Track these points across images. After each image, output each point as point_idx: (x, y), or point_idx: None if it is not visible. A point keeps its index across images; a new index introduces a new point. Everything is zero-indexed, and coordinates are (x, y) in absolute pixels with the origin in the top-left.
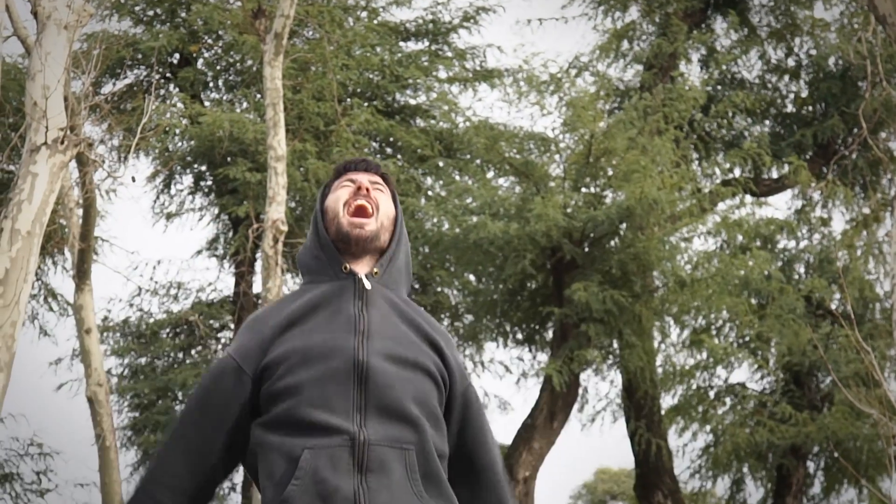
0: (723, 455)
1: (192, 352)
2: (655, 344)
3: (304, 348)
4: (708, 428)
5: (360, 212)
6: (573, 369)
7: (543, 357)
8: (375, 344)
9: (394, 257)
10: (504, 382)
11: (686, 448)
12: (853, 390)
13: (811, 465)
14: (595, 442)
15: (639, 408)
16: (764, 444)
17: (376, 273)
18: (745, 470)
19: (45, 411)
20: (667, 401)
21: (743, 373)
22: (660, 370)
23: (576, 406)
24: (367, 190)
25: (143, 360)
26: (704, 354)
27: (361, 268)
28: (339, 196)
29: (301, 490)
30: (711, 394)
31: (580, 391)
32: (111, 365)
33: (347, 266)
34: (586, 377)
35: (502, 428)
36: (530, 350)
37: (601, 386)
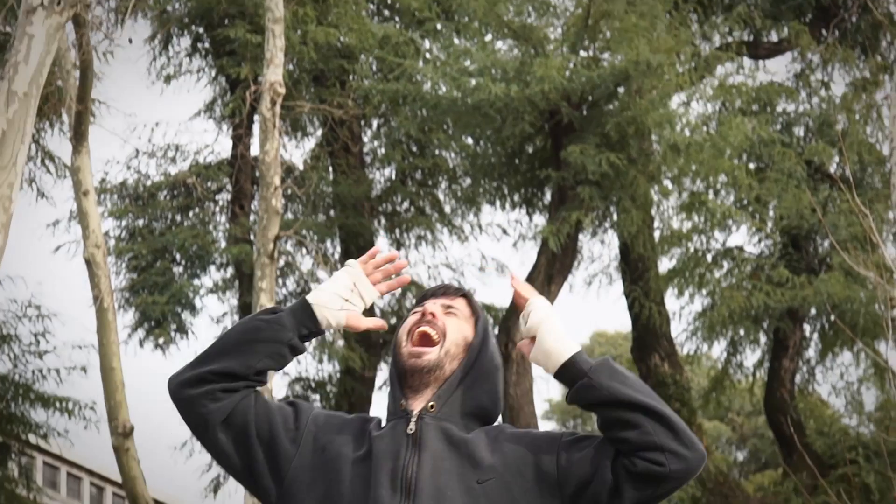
0: (719, 318)
1: (190, 213)
2: (653, 208)
3: (333, 498)
4: (705, 291)
5: (422, 340)
6: (569, 232)
7: (541, 220)
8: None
9: (459, 386)
10: (501, 245)
11: (683, 311)
12: (851, 253)
13: (808, 329)
14: (592, 305)
15: (635, 271)
16: (761, 307)
17: (432, 408)
18: (742, 333)
19: (42, 273)
20: (664, 264)
21: (741, 236)
22: (657, 233)
23: (572, 269)
24: (434, 315)
25: (140, 222)
26: (702, 217)
27: (419, 402)
28: (407, 323)
29: None
30: (709, 257)
31: (577, 254)
32: (109, 227)
33: (403, 402)
34: (583, 240)
35: (499, 291)
36: (528, 213)
37: (598, 249)
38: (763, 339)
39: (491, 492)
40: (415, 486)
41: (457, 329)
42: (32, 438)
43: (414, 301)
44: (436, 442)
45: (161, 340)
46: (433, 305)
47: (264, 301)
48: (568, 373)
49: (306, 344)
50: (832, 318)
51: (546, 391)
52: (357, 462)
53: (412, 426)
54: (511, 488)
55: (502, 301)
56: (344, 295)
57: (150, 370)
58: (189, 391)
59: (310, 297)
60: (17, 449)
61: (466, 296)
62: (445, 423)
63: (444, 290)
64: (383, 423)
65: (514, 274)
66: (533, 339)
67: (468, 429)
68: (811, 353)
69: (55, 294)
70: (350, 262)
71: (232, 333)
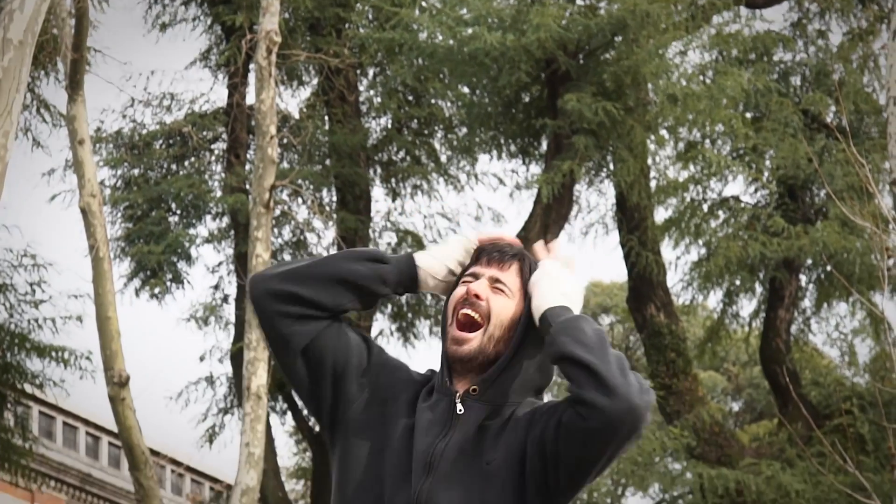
0: (715, 268)
1: (185, 162)
2: (649, 158)
3: (376, 463)
4: (701, 241)
5: (464, 324)
6: (564, 182)
7: (537, 169)
8: (438, 485)
9: (505, 369)
10: (498, 195)
11: (679, 261)
12: (847, 203)
13: (804, 279)
14: (588, 255)
15: (632, 221)
16: (757, 257)
17: (475, 391)
18: (738, 283)
19: (38, 222)
20: (660, 214)
21: (737, 186)
22: (653, 183)
23: (569, 218)
24: (478, 296)
25: (136, 171)
26: (698, 167)
27: (462, 384)
28: (454, 297)
29: None
30: (705, 207)
31: (574, 204)
32: (104, 176)
33: (448, 382)
34: (580, 190)
35: None
36: (524, 162)
37: (595, 199)
38: (759, 289)
39: (498, 472)
40: (437, 464)
41: (503, 309)
42: (28, 388)
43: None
44: (471, 425)
45: (157, 290)
46: (480, 283)
47: (260, 251)
48: (543, 328)
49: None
50: (828, 268)
51: None
52: (405, 431)
53: (460, 407)
54: (513, 468)
55: None
56: (451, 266)
57: (145, 320)
58: (275, 305)
59: (418, 260)
60: (13, 398)
61: (521, 260)
62: (486, 406)
63: (499, 256)
64: (432, 394)
65: (550, 241)
66: None
67: (514, 404)
68: (807, 303)
69: (51, 243)
70: (469, 234)
71: (333, 266)
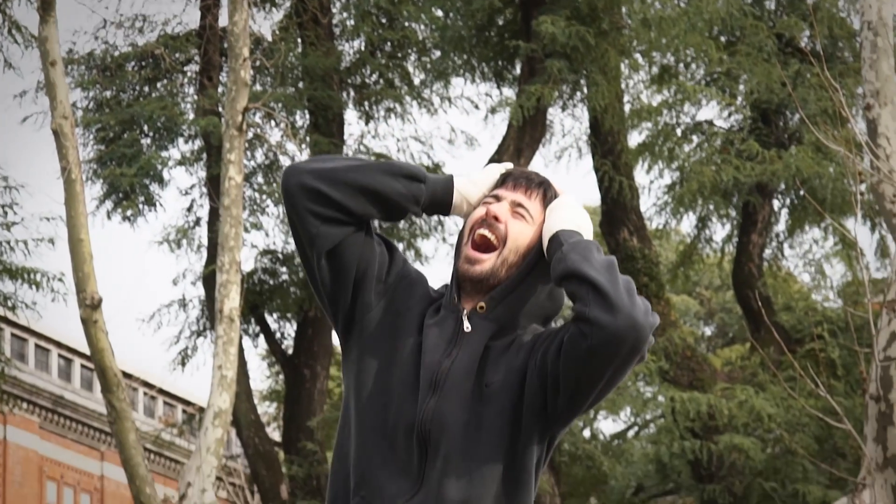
0: (688, 192)
1: (158, 85)
2: (623, 82)
3: (386, 373)
4: (674, 165)
5: (480, 245)
6: (537, 105)
7: (510, 93)
8: (443, 404)
9: (515, 290)
10: (471, 118)
11: (652, 185)
12: (821, 128)
13: (777, 203)
14: (562, 179)
15: (605, 145)
16: (730, 181)
17: (482, 308)
18: (711, 207)
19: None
20: (633, 138)
21: (711, 110)
22: (627, 107)
23: (542, 142)
24: (497, 218)
25: (108, 93)
26: (672, 91)
27: (471, 303)
28: (473, 217)
29: None
30: (678, 131)
31: (547, 128)
32: (76, 98)
33: (456, 299)
34: (554, 114)
35: (469, 164)
36: (497, 86)
37: (568, 123)
38: (732, 213)
39: (497, 395)
40: (444, 383)
41: (520, 234)
42: (0, 310)
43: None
44: (478, 344)
45: (129, 212)
46: (501, 205)
47: (233, 173)
48: (551, 248)
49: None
50: (801, 193)
51: None
52: (414, 346)
53: (467, 325)
54: (513, 392)
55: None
56: (485, 192)
57: (118, 243)
58: (306, 202)
59: (458, 184)
60: None
61: (546, 189)
62: (493, 324)
63: (525, 181)
64: (440, 311)
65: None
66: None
67: (521, 328)
68: (780, 228)
69: (22, 165)
70: (507, 164)
71: (370, 177)
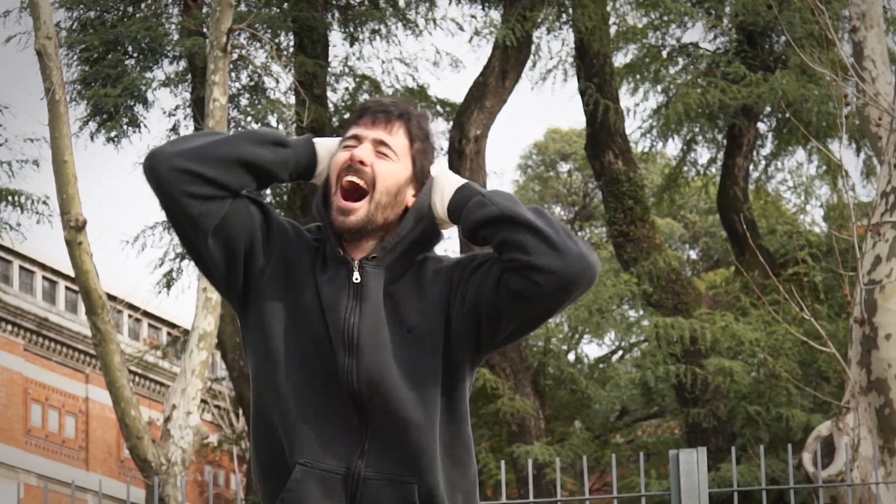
0: (674, 115)
1: (142, 5)
2: (609, 4)
3: (294, 332)
4: (660, 88)
5: (349, 192)
6: (525, 28)
7: (496, 15)
8: (366, 361)
9: (406, 236)
10: (456, 40)
11: (637, 108)
12: (806, 51)
13: (762, 126)
14: (547, 101)
15: (591, 68)
16: (716, 104)
17: (374, 258)
18: (696, 130)
19: None
20: (619, 60)
21: (696, 32)
22: (613, 29)
23: (527, 64)
24: (362, 162)
25: (92, 14)
26: (658, 14)
27: (359, 252)
28: (337, 162)
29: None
30: (664, 53)
31: (533, 51)
32: (60, 18)
33: (341, 250)
34: (539, 35)
35: (454, 86)
36: (483, 7)
37: (553, 44)
38: (718, 137)
39: (422, 337)
40: (357, 339)
41: (388, 174)
42: None
43: (365, 98)
44: (376, 292)
45: (113, 133)
46: (364, 147)
47: (217, 95)
48: (462, 195)
49: None
50: (787, 115)
51: (500, 186)
52: (314, 302)
53: (356, 276)
54: (438, 329)
55: (457, 96)
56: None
57: (102, 164)
58: (182, 185)
59: (317, 141)
60: None
61: (408, 121)
62: (386, 271)
63: (385, 115)
64: (327, 264)
65: None
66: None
67: (412, 263)
68: (766, 151)
69: (6, 86)
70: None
71: (238, 148)
